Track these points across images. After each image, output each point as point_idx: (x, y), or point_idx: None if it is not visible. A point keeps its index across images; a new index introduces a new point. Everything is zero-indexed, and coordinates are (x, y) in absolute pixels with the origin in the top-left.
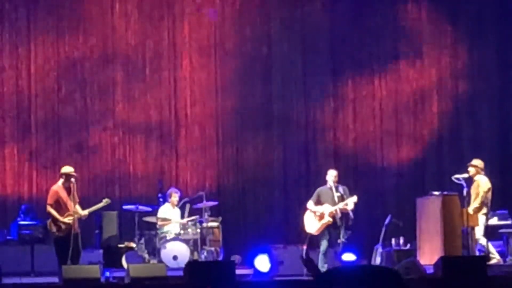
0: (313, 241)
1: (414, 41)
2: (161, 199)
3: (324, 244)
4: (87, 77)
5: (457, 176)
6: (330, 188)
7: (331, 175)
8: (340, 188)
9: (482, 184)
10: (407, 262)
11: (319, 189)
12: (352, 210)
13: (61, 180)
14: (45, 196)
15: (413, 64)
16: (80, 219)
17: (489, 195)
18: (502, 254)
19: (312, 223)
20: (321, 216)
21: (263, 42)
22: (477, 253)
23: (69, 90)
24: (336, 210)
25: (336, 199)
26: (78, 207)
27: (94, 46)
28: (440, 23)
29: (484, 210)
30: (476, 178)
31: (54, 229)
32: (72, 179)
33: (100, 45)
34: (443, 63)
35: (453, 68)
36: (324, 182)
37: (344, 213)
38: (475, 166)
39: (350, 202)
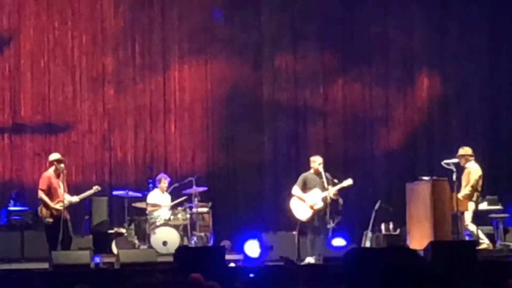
0: (303, 228)
1: (405, 27)
2: (150, 185)
3: (313, 231)
4: (77, 62)
5: (446, 161)
6: (318, 174)
7: (319, 161)
8: (327, 174)
9: (473, 172)
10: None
11: (304, 175)
12: (339, 197)
13: (52, 168)
14: (35, 182)
15: (403, 49)
16: (70, 206)
17: (480, 182)
18: (492, 239)
19: (302, 210)
20: (313, 204)
21: (253, 28)
22: (466, 238)
23: (59, 75)
24: (328, 195)
25: (326, 184)
26: (67, 194)
27: (83, 31)
28: (429, 8)
29: (474, 197)
30: (467, 165)
31: (45, 215)
32: (62, 165)
33: (90, 31)
34: (433, 47)
35: (442, 53)
36: (309, 167)
37: (333, 199)
38: (463, 156)
39: (346, 185)
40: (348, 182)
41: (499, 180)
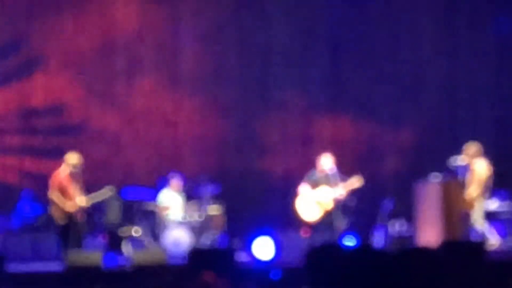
0: (314, 229)
1: (413, 27)
2: (162, 185)
3: (324, 231)
4: (88, 63)
5: (454, 160)
6: (325, 172)
7: (327, 158)
8: (337, 172)
9: (480, 171)
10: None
11: (313, 173)
12: (349, 197)
13: (65, 167)
14: (47, 183)
15: (412, 49)
16: (83, 207)
17: (489, 179)
18: (501, 237)
19: (312, 211)
20: (323, 203)
21: (262, 29)
22: (476, 237)
23: (70, 75)
24: (340, 194)
25: (337, 183)
26: (81, 195)
27: (94, 31)
28: (436, 6)
29: (482, 195)
30: (474, 163)
31: (57, 215)
32: (77, 166)
33: (101, 32)
34: (441, 46)
35: (450, 51)
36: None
37: (343, 198)
38: (469, 154)
39: (356, 185)
40: (358, 182)
41: (508, 178)
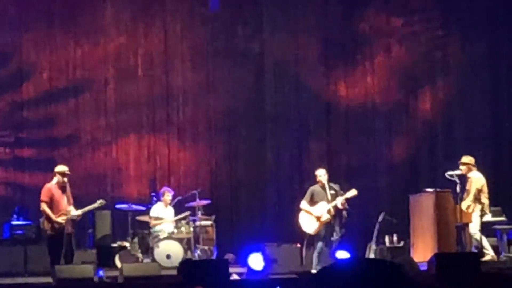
0: (309, 241)
1: (407, 37)
2: (154, 198)
3: (319, 244)
4: (79, 76)
5: (450, 172)
6: (323, 187)
7: (322, 174)
8: (334, 186)
9: (475, 181)
10: (402, 259)
11: (311, 188)
12: (343, 209)
13: (55, 179)
14: (38, 196)
15: (405, 61)
16: (74, 220)
17: (485, 189)
18: (496, 250)
19: (309, 223)
20: (320, 216)
21: (255, 39)
22: (473, 249)
23: (61, 88)
24: (335, 207)
25: (330, 197)
26: (72, 208)
27: (85, 44)
28: (430, 17)
29: (479, 206)
30: (470, 174)
31: (47, 227)
32: (65, 178)
33: (92, 44)
34: (435, 57)
35: (445, 62)
36: (315, 181)
37: (338, 211)
38: (466, 164)
39: (350, 195)
40: (352, 192)
41: (503, 191)
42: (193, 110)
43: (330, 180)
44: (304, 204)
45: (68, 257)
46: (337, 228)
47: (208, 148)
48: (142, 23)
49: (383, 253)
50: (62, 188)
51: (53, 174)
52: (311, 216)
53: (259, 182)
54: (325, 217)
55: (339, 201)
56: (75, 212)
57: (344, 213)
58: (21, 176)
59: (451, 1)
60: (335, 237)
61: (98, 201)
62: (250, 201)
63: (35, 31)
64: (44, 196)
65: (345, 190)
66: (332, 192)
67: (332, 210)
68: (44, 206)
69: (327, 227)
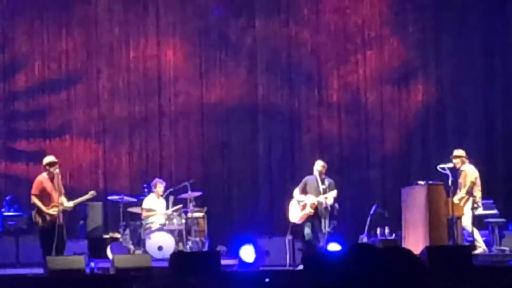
0: (297, 231)
1: (399, 30)
2: (146, 190)
3: (307, 235)
4: (72, 67)
5: (442, 165)
6: (316, 179)
7: (318, 165)
8: (326, 181)
9: (470, 174)
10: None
11: (306, 178)
12: (335, 201)
13: (44, 173)
14: (30, 187)
15: (398, 52)
16: (66, 211)
17: (478, 182)
18: (487, 243)
19: (295, 212)
20: (304, 206)
21: (247, 32)
22: (464, 242)
23: (53, 80)
24: (318, 202)
25: (321, 191)
26: (63, 199)
27: (77, 36)
28: (424, 11)
29: (471, 199)
30: (463, 167)
31: (39, 220)
32: (56, 169)
33: (85, 35)
34: (428, 50)
35: (437, 56)
36: (311, 172)
37: (329, 204)
38: (459, 157)
39: (330, 197)
40: (332, 194)
41: (495, 184)
42: (185, 102)
43: (325, 173)
44: (296, 192)
45: (60, 248)
46: (327, 221)
47: (200, 139)
48: (134, 14)
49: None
50: (52, 179)
51: (42, 166)
52: (298, 206)
53: (251, 174)
54: (308, 210)
55: (321, 198)
56: (67, 204)
57: (336, 205)
58: (12, 167)
59: None
60: (326, 229)
61: (90, 193)
62: (242, 193)
63: (28, 22)
64: (35, 189)
65: (336, 183)
66: (324, 187)
67: (316, 204)
68: (35, 199)
69: (316, 219)
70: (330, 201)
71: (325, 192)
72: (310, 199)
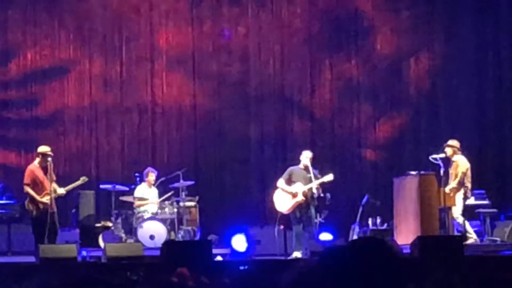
0: (286, 220)
1: (392, 19)
2: (137, 179)
3: (296, 224)
4: (64, 56)
5: (434, 156)
6: (305, 168)
7: (306, 155)
8: (314, 170)
9: (461, 164)
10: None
11: (290, 169)
12: (327, 191)
13: (37, 159)
14: (22, 175)
15: (390, 42)
16: (57, 198)
17: (469, 173)
18: (479, 234)
19: (283, 202)
20: (294, 195)
21: (240, 20)
22: (455, 233)
23: (46, 68)
24: (309, 189)
25: (309, 179)
26: (55, 185)
27: (71, 26)
28: (417, 3)
29: (462, 190)
30: (455, 158)
31: (32, 208)
32: (49, 159)
33: (77, 25)
34: (420, 42)
35: (430, 47)
36: (298, 162)
37: (317, 193)
38: (452, 146)
39: (326, 180)
40: (329, 177)
41: (487, 175)
42: (178, 91)
43: (313, 163)
44: (281, 182)
45: (52, 237)
46: (319, 210)
47: (192, 128)
48: (128, 4)
49: (367, 235)
50: (45, 168)
51: (35, 154)
52: (286, 195)
53: (243, 163)
54: (299, 197)
55: (315, 184)
56: (59, 190)
57: (328, 195)
58: (4, 155)
59: None
60: (318, 219)
61: (81, 178)
62: (234, 182)
63: (20, 11)
64: (27, 179)
65: (327, 171)
66: (310, 175)
67: (307, 192)
68: (27, 189)
69: (305, 208)
70: (330, 178)
71: (315, 179)
72: (300, 187)
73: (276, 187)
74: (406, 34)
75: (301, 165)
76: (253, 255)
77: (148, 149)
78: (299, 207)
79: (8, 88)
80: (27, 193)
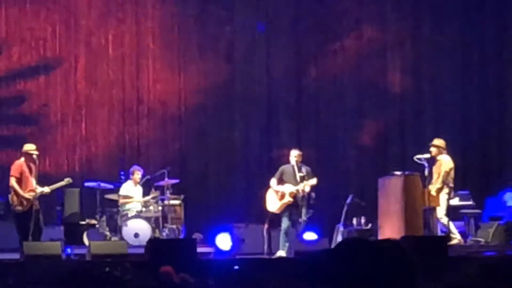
0: (274, 220)
1: (378, 21)
2: (123, 177)
3: (285, 223)
4: (50, 53)
5: (418, 156)
6: (293, 168)
7: (294, 154)
8: (303, 169)
9: (445, 163)
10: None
11: (282, 167)
12: (311, 190)
13: (22, 158)
14: (6, 173)
15: (376, 43)
16: (41, 196)
17: (452, 173)
18: (463, 234)
19: (273, 202)
20: (282, 196)
21: (226, 20)
22: (439, 233)
23: (31, 65)
24: (297, 190)
25: (298, 179)
26: (37, 185)
27: (56, 21)
28: (402, 3)
29: (446, 190)
30: (439, 157)
31: (16, 203)
32: (34, 157)
33: (63, 22)
34: (406, 43)
35: (415, 47)
36: (288, 161)
37: (306, 192)
38: (437, 146)
39: (310, 184)
40: (313, 181)
41: (471, 176)
42: (163, 89)
43: (302, 162)
44: (272, 182)
45: (36, 234)
46: (304, 209)
47: (177, 127)
48: (114, 2)
49: (351, 235)
50: (29, 167)
51: (20, 153)
52: (276, 195)
53: (228, 162)
54: (287, 199)
55: (301, 186)
56: (43, 189)
57: (312, 194)
58: None
59: None
60: (303, 218)
61: (66, 179)
62: (219, 181)
63: (7, 7)
64: (14, 171)
65: (313, 172)
66: (301, 174)
67: (295, 192)
68: (13, 181)
69: (295, 208)
70: (307, 189)
71: (302, 180)
72: (289, 188)
73: (269, 186)
74: (392, 34)
75: (291, 164)
76: (238, 253)
77: (134, 147)
78: (289, 206)
79: None
80: (12, 186)
